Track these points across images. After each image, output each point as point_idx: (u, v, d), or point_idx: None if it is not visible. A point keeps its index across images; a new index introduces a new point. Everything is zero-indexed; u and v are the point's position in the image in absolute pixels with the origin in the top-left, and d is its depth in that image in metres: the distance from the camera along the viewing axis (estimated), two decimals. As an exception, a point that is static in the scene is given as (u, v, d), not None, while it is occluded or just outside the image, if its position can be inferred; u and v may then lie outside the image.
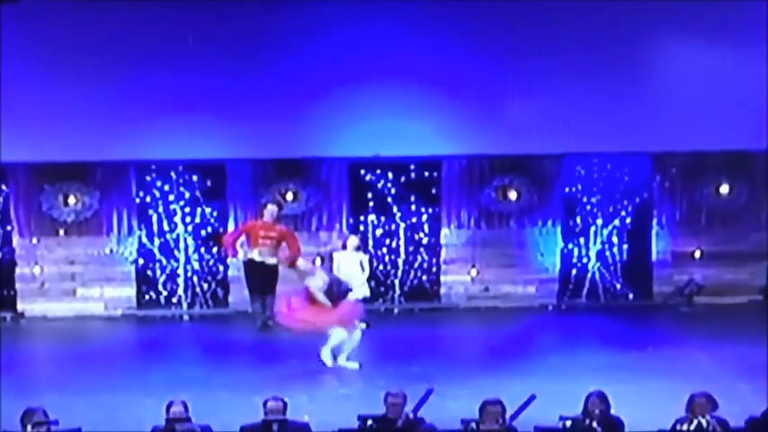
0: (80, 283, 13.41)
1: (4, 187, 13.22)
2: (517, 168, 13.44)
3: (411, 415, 8.10)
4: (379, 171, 13.50)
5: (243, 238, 12.17)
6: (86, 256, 13.39)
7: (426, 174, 13.55)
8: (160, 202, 13.37)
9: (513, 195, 13.46)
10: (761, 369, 10.21)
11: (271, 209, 12.08)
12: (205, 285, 13.47)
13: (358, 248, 12.73)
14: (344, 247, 12.73)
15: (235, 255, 12.17)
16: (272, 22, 12.51)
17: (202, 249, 13.44)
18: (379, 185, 13.56)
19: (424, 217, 13.63)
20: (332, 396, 10.17)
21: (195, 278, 13.48)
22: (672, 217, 13.73)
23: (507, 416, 7.92)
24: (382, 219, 13.60)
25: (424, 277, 13.70)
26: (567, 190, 13.63)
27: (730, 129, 12.64)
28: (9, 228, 13.28)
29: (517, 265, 13.67)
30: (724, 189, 13.54)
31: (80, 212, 13.21)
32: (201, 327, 13.12)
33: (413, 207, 13.59)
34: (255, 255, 12.05)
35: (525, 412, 8.09)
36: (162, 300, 13.48)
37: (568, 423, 8.01)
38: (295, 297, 10.87)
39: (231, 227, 13.26)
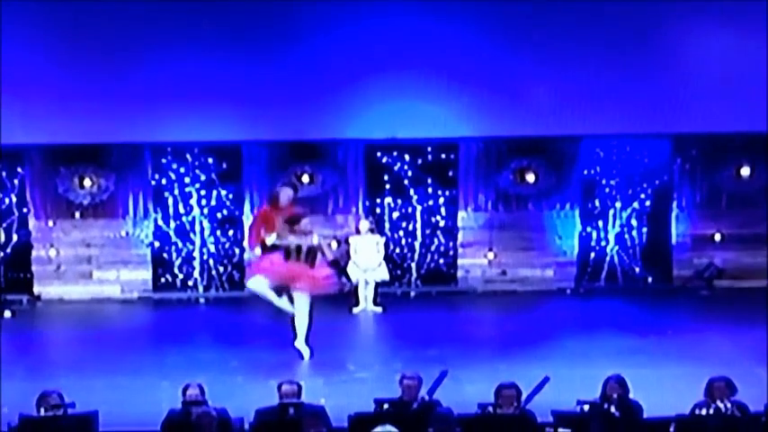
0: (96, 265, 13.42)
1: (20, 170, 13.22)
2: (535, 150, 13.35)
3: (426, 397, 8.07)
4: (395, 153, 13.44)
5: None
6: (102, 239, 13.39)
7: (443, 156, 13.48)
8: (176, 185, 13.35)
9: (530, 178, 13.36)
10: (781, 353, 10.13)
11: (286, 192, 12.00)
12: (221, 268, 13.46)
13: (372, 231, 12.72)
14: (358, 231, 12.72)
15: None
16: (289, 6, 12.44)
17: (218, 232, 13.42)
18: (396, 168, 13.50)
19: (441, 200, 13.56)
20: (348, 379, 10.15)
21: (211, 261, 13.46)
22: (692, 200, 13.63)
23: (522, 399, 7.87)
24: (399, 201, 13.55)
25: (441, 260, 13.65)
26: (585, 172, 13.53)
27: (751, 111, 12.52)
28: (25, 210, 13.28)
29: (535, 248, 13.60)
30: (744, 171, 13.42)
31: (96, 195, 13.20)
32: (217, 310, 13.11)
33: (429, 190, 13.53)
34: (272, 239, 11.99)
35: (541, 395, 8.05)
36: (178, 283, 13.48)
37: (586, 407, 7.96)
38: (275, 255, 10.73)
39: (247, 209, 13.24)
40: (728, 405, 7.91)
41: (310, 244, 10.59)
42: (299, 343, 10.63)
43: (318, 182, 13.30)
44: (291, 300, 10.62)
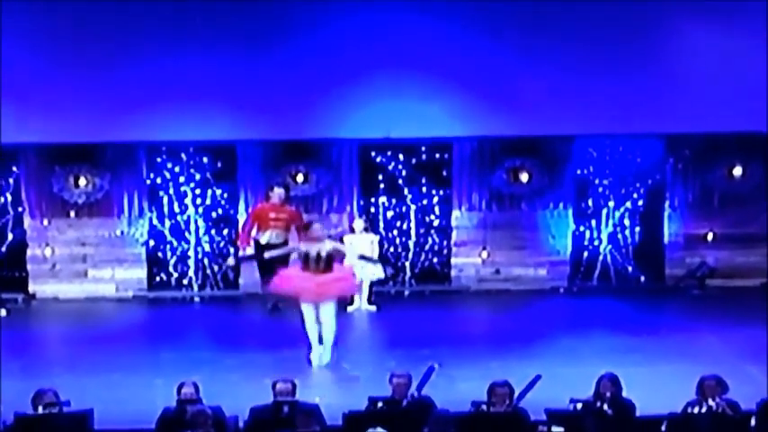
0: (91, 264, 13.43)
1: (15, 169, 13.23)
2: (529, 150, 13.38)
3: (416, 394, 8.11)
4: (389, 153, 13.47)
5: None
6: (97, 238, 13.40)
7: (437, 155, 13.52)
8: (171, 184, 13.37)
9: (524, 177, 13.40)
10: (773, 352, 10.18)
11: (278, 191, 12.10)
12: (216, 267, 13.48)
13: (366, 230, 12.76)
14: (352, 230, 12.76)
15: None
16: (283, 5, 12.46)
17: (213, 231, 13.45)
18: (390, 167, 13.53)
19: (435, 199, 13.60)
20: (342, 378, 10.18)
21: (206, 260, 13.49)
22: (684, 199, 13.68)
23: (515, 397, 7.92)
24: (393, 201, 13.57)
25: (435, 259, 13.69)
26: (578, 172, 13.57)
27: (744, 110, 12.55)
28: (20, 209, 13.29)
29: (528, 247, 13.64)
30: (737, 171, 13.47)
31: (91, 194, 13.21)
32: (212, 308, 13.14)
33: (423, 189, 13.56)
34: (266, 237, 12.06)
35: (535, 394, 8.10)
36: (173, 281, 13.49)
37: (579, 406, 8.01)
38: (291, 267, 10.77)
39: (242, 208, 13.26)
40: (720, 403, 7.96)
41: (320, 251, 10.50)
42: (316, 354, 10.49)
43: (313, 181, 13.33)
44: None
